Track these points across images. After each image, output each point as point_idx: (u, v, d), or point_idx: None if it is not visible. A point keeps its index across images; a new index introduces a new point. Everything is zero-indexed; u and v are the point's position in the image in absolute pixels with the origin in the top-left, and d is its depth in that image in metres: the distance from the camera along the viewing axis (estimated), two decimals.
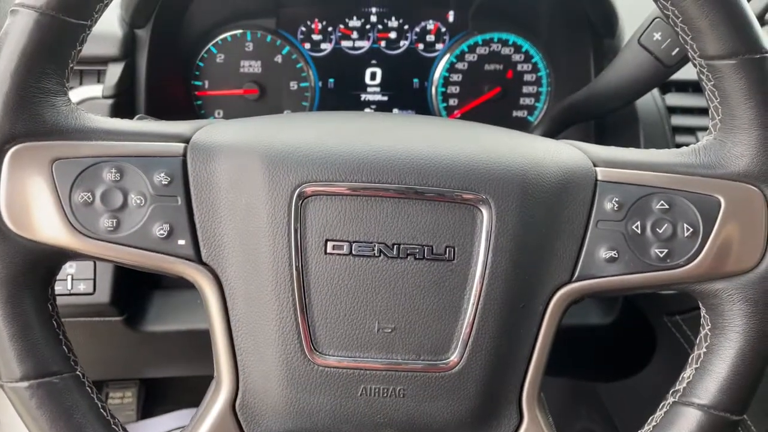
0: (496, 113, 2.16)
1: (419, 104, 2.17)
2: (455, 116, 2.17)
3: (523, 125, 2.17)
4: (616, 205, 0.87)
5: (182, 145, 0.99)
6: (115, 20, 1.73)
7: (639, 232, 0.87)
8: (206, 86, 2.09)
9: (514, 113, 2.18)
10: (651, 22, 1.24)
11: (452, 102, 2.17)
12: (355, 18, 2.09)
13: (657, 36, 1.22)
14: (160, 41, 1.82)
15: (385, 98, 2.17)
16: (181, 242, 0.91)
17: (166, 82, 1.91)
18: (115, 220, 0.88)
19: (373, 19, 2.11)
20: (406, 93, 2.16)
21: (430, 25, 2.12)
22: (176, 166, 0.94)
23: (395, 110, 2.18)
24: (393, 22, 2.11)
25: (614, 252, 0.87)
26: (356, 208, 0.86)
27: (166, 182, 0.91)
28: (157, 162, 0.92)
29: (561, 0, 1.85)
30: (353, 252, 0.86)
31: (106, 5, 0.93)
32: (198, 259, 0.90)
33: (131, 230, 0.89)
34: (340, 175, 0.86)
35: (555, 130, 1.82)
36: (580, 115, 1.80)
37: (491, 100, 2.13)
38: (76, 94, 1.68)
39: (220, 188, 0.94)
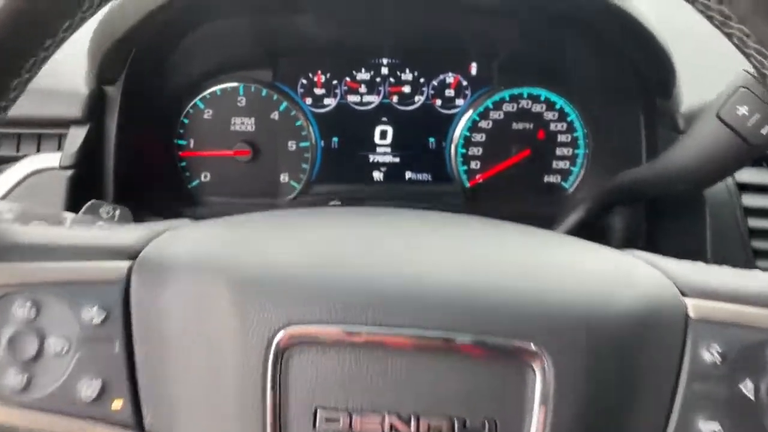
0: (525, 179, 1.87)
1: (436, 167, 1.89)
2: (477, 181, 1.88)
3: (556, 192, 1.88)
4: (718, 357, 0.64)
5: (126, 264, 0.72)
6: (80, 76, 1.46)
7: (751, 396, 0.63)
8: (191, 146, 1.81)
9: (546, 179, 1.89)
10: (733, 93, 0.95)
11: (474, 165, 1.88)
12: (363, 70, 1.82)
13: (742, 110, 0.93)
14: (135, 98, 1.55)
15: (397, 160, 1.88)
16: (117, 405, 0.66)
17: (143, 143, 1.64)
18: (25, 376, 0.65)
19: (384, 71, 1.83)
20: (421, 154, 1.88)
21: (450, 78, 1.85)
22: (114, 297, 0.68)
23: (408, 173, 1.89)
24: (407, 75, 1.84)
25: (717, 425, 0.63)
26: (358, 362, 0.62)
27: (99, 320, 0.67)
28: (89, 291, 0.67)
29: (604, 50, 1.57)
30: (353, 427, 0.62)
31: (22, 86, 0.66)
32: (139, 428, 0.67)
33: (48, 389, 0.65)
34: (336, 314, 0.63)
35: (602, 208, 1.52)
36: (639, 195, 1.50)
37: (520, 163, 1.84)
38: (29, 163, 1.40)
39: (172, 329, 0.67)
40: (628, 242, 1.58)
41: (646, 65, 1.50)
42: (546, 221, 1.71)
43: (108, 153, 1.50)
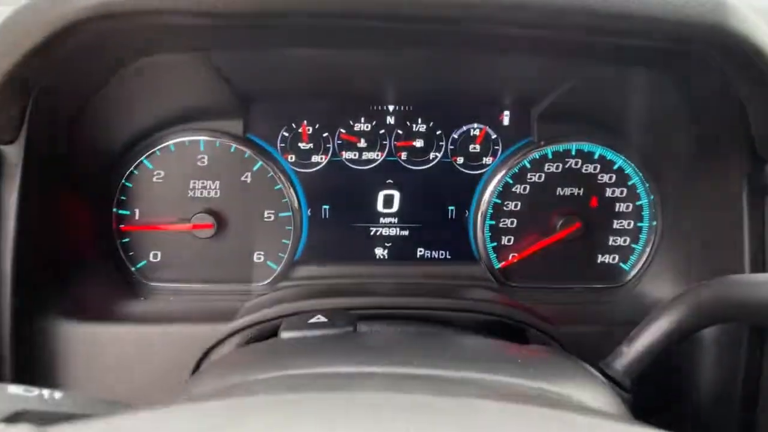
0: (573, 260, 1.48)
1: (456, 243, 1.50)
2: (510, 262, 1.44)
3: (613, 276, 1.46)
4: None
5: None
6: None
7: None
8: (136, 217, 1.38)
9: (600, 258, 1.47)
10: None
11: (506, 241, 1.44)
12: (363, 119, 1.40)
13: None
14: (48, 158, 1.11)
15: (405, 233, 1.45)
16: None
17: (65, 216, 1.20)
18: None
19: (390, 120, 1.41)
20: (437, 227, 1.48)
21: (475, 130, 1.43)
22: None
23: (420, 250, 1.45)
24: (419, 125, 1.42)
25: None
26: None
27: None
28: None
29: (692, 92, 1.14)
30: None
31: None
32: None
33: None
34: None
35: (695, 326, 1.05)
36: (761, 320, 1.04)
37: (566, 239, 1.40)
38: None
39: None
40: (721, 385, 1.14)
41: (762, 113, 1.06)
42: (600, 321, 1.27)
43: (4, 234, 1.06)
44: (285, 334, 0.93)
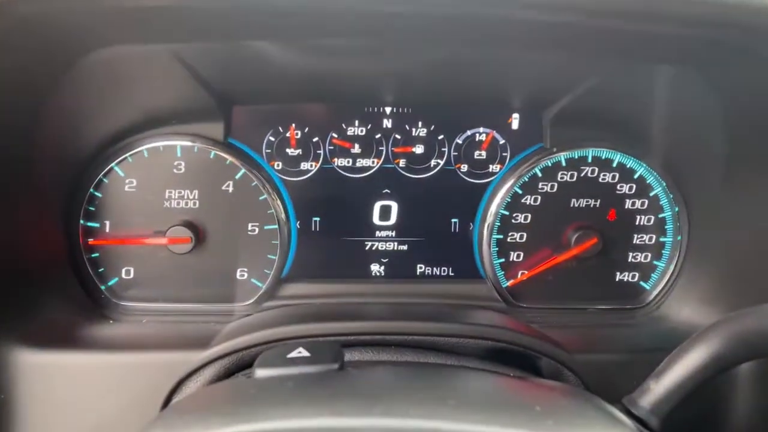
0: (589, 277, 1.34)
1: (460, 259, 1.38)
2: (519, 281, 1.30)
3: (633, 296, 1.35)
4: None
5: None
6: None
7: None
8: (106, 230, 1.24)
9: (619, 277, 1.34)
10: None
11: (514, 257, 1.31)
12: (357, 122, 1.27)
13: None
14: (1, 162, 0.98)
15: (404, 248, 1.33)
16: None
17: (21, 229, 1.07)
18: None
19: (387, 123, 1.28)
20: (439, 241, 1.35)
21: (481, 134, 1.29)
22: None
23: (420, 267, 1.32)
24: (419, 129, 1.29)
25: None
26: None
27: None
28: None
29: (723, 94, 1.01)
30: None
31: None
32: None
33: None
34: None
35: (737, 357, 0.90)
36: None
37: (581, 255, 1.26)
38: None
39: None
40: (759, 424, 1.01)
41: None
42: (620, 347, 1.14)
43: None
44: (260, 372, 0.79)
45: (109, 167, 1.25)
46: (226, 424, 0.62)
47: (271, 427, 0.62)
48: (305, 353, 0.83)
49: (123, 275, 1.30)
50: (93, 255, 1.28)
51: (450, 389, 0.75)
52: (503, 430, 0.65)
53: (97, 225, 1.27)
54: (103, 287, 1.29)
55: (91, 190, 1.25)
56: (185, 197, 1.28)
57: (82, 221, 1.26)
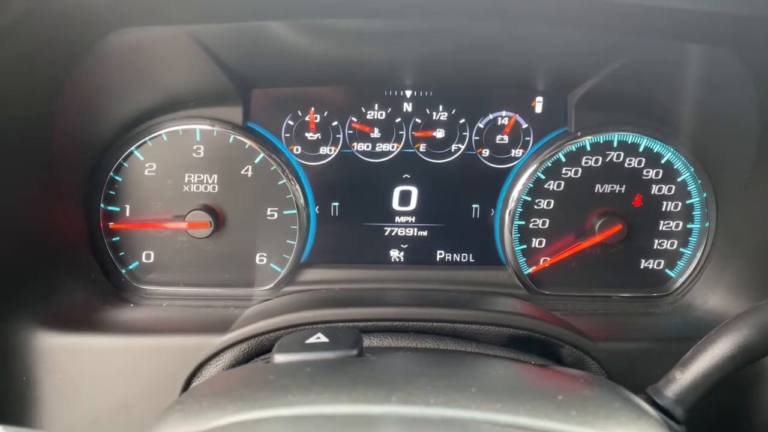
0: (612, 264, 1.31)
1: (481, 245, 1.36)
2: (541, 267, 1.28)
3: (658, 284, 1.33)
4: None
5: None
6: None
7: None
8: (126, 214, 1.24)
9: (644, 264, 1.32)
10: None
11: (537, 244, 1.29)
12: (377, 106, 1.24)
13: None
14: (22, 146, 0.99)
15: (424, 234, 1.31)
16: None
17: (42, 213, 1.08)
18: None
19: (407, 107, 1.26)
20: (459, 227, 1.33)
21: (503, 118, 1.26)
22: None
23: (440, 253, 1.30)
24: (440, 113, 1.26)
25: None
26: None
27: None
28: None
29: (758, 74, 0.97)
30: None
31: None
32: None
33: None
34: None
35: (764, 349, 0.87)
36: None
37: (605, 242, 1.23)
38: None
39: None
40: None
41: None
42: (644, 336, 1.11)
43: None
44: (278, 357, 0.78)
45: (128, 151, 1.25)
46: (243, 409, 0.62)
47: (288, 413, 0.61)
48: (324, 339, 0.82)
49: (143, 259, 1.30)
50: (113, 239, 1.28)
51: (471, 377, 0.73)
52: (526, 420, 0.63)
53: (117, 209, 1.27)
54: (123, 271, 1.29)
55: (111, 174, 1.25)
56: (204, 181, 1.27)
57: (102, 205, 1.26)
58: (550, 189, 1.29)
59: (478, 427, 0.61)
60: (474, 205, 1.33)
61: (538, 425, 0.63)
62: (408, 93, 1.28)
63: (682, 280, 1.31)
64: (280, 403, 0.63)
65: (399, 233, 1.34)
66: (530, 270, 1.33)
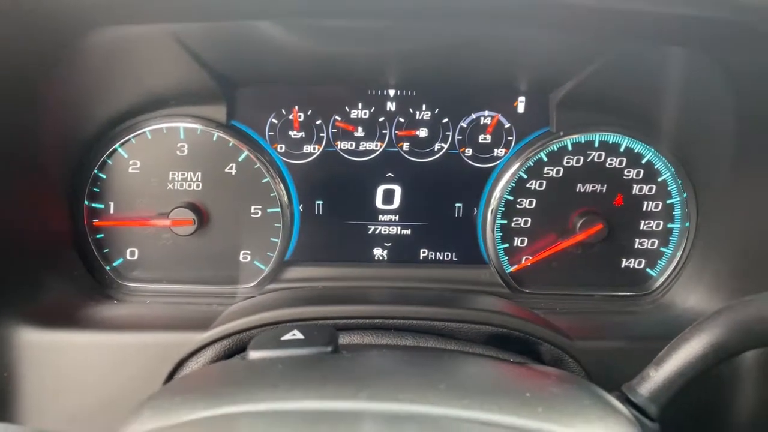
0: (593, 263, 1.33)
1: (463, 244, 1.37)
2: (523, 266, 1.29)
3: (638, 283, 1.34)
4: None
5: None
6: None
7: None
8: (111, 211, 1.24)
9: (625, 263, 1.32)
10: None
11: (519, 242, 1.30)
12: (360, 105, 1.25)
13: None
14: (4, 141, 0.99)
15: (407, 232, 1.32)
16: None
17: (25, 209, 1.08)
18: None
19: (391, 106, 1.26)
20: (442, 226, 1.34)
21: (486, 118, 1.27)
22: None
23: (423, 251, 1.31)
24: (423, 112, 1.27)
25: None
26: None
27: None
28: None
29: (733, 77, 0.98)
30: None
31: None
32: None
33: None
34: None
35: (739, 346, 0.89)
36: None
37: (586, 242, 1.24)
38: None
39: None
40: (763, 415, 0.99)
41: None
42: (624, 335, 1.13)
43: None
44: (253, 354, 0.79)
45: (113, 148, 1.25)
46: (212, 405, 0.62)
47: (256, 409, 0.62)
48: (299, 336, 0.83)
49: (127, 256, 1.31)
50: (98, 236, 1.29)
51: (443, 374, 0.74)
52: (492, 416, 0.64)
53: (101, 206, 1.28)
54: (107, 268, 1.30)
55: (96, 171, 1.26)
56: (188, 179, 1.28)
57: (86, 202, 1.27)
58: (532, 188, 1.30)
59: (445, 422, 0.62)
60: (457, 204, 1.33)
61: (504, 421, 0.64)
62: (391, 92, 1.29)
63: (662, 279, 1.32)
64: (248, 399, 0.64)
65: (382, 232, 1.35)
66: (512, 269, 1.34)
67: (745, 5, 0.79)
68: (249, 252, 1.32)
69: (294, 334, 0.83)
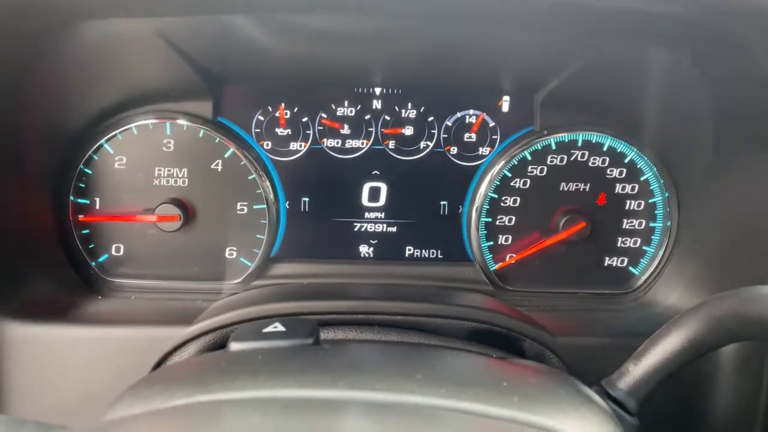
0: (576, 261, 1.34)
1: (448, 241, 1.37)
2: (507, 264, 1.30)
3: (621, 281, 1.35)
4: None
5: None
6: None
7: None
8: (97, 206, 1.24)
9: (607, 261, 1.34)
10: None
11: (503, 240, 1.31)
12: (346, 103, 1.26)
13: None
14: None
15: (393, 230, 1.33)
16: None
17: (10, 204, 1.08)
18: None
19: (377, 104, 1.27)
20: (428, 223, 1.35)
21: (471, 117, 1.28)
22: None
23: (409, 249, 1.32)
24: (409, 111, 1.28)
25: None
26: None
27: None
28: None
29: (711, 77, 1.00)
30: None
31: None
32: None
33: None
34: None
35: (714, 341, 0.90)
36: None
37: (569, 240, 1.26)
38: None
39: None
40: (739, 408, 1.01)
41: None
42: (605, 331, 1.14)
43: None
44: (234, 345, 0.80)
45: (98, 144, 1.25)
46: (190, 393, 0.63)
47: (234, 396, 0.62)
48: (281, 328, 0.83)
49: (113, 252, 1.31)
50: (83, 231, 1.29)
51: (419, 365, 0.75)
52: (468, 405, 0.65)
53: (87, 202, 1.28)
54: (93, 263, 1.30)
55: (81, 166, 1.26)
56: (174, 175, 1.28)
57: (72, 198, 1.27)
58: (516, 187, 1.32)
59: (422, 411, 0.63)
60: (442, 202, 1.34)
61: (480, 409, 0.65)
62: (377, 90, 1.30)
63: (644, 277, 1.34)
64: (226, 388, 0.64)
65: (368, 229, 1.36)
66: (496, 266, 1.35)
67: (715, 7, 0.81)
68: (235, 248, 1.32)
69: (275, 327, 0.84)
